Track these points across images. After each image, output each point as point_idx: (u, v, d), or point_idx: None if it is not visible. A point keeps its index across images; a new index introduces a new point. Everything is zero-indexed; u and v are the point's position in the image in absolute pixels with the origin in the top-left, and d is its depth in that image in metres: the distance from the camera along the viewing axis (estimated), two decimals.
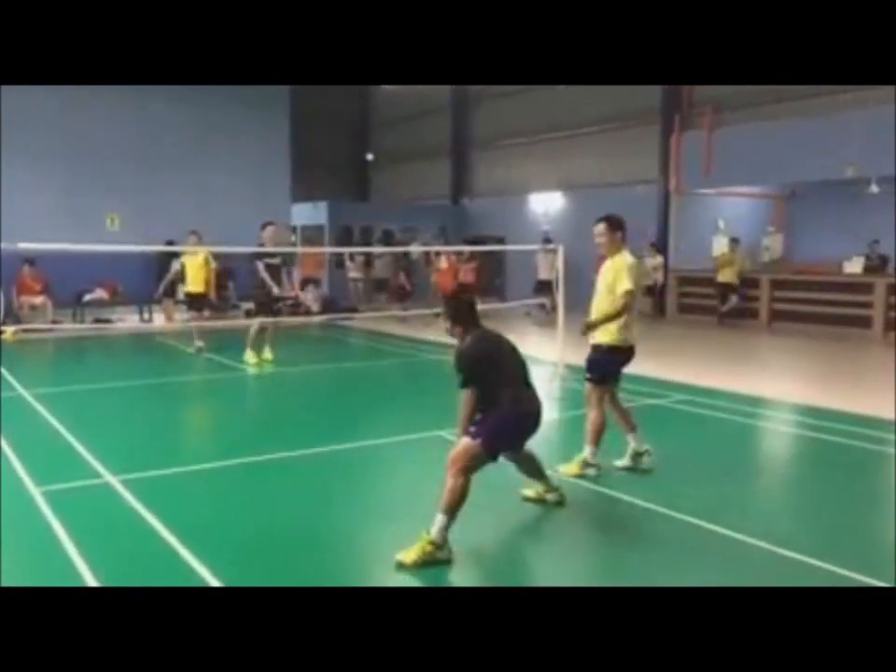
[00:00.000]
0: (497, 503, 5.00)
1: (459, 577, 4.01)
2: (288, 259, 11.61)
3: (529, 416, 4.41)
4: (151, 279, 14.89)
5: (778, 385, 9.21)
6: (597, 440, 5.56)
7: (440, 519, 4.06)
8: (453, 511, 4.08)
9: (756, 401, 8.26)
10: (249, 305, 16.56)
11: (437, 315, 6.23)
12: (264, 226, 10.51)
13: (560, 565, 4.31)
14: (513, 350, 4.53)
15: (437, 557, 4.02)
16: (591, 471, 5.54)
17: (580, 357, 5.52)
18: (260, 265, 10.44)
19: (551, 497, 4.97)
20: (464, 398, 4.30)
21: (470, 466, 4.14)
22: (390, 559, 4.01)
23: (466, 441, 4.20)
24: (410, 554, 4.01)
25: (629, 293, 5.31)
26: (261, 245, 10.48)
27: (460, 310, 4.52)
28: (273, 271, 10.45)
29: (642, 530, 4.73)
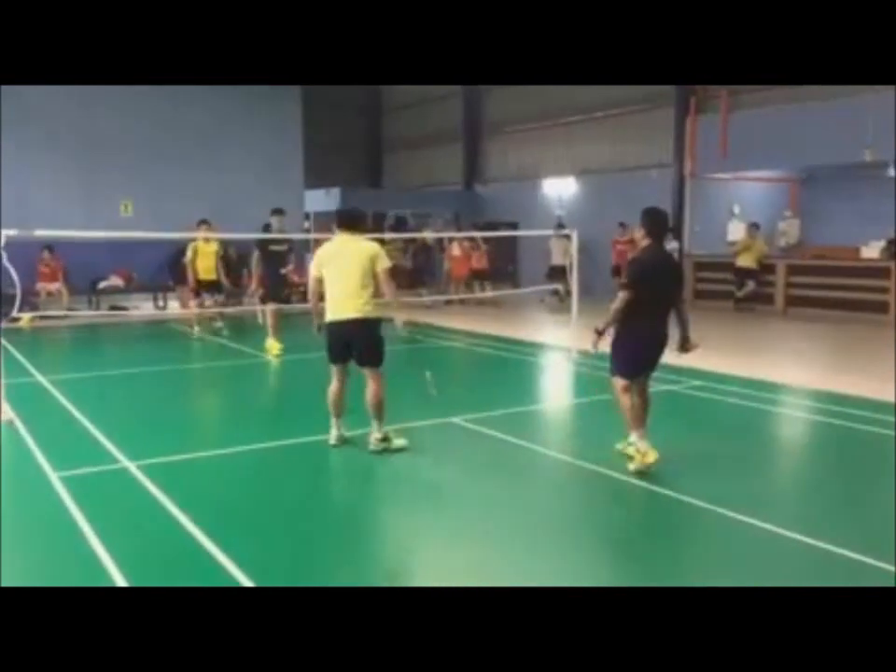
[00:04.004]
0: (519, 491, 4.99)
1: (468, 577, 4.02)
2: (301, 246, 11.64)
3: (648, 348, 5.35)
4: (165, 266, 14.93)
5: (794, 371, 9.15)
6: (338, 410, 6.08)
7: (635, 435, 5.23)
8: (628, 420, 5.31)
9: (771, 387, 8.21)
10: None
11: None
12: (273, 213, 10.60)
13: (561, 560, 4.31)
14: (672, 276, 5.38)
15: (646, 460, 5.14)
16: (332, 440, 5.99)
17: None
18: (255, 253, 10.63)
19: None
20: (621, 296, 5.17)
21: (622, 391, 5.30)
22: (409, 550, 4.00)
23: (612, 379, 5.36)
24: (648, 459, 5.11)
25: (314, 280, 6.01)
26: (268, 229, 10.60)
27: (656, 224, 5.27)
28: (278, 256, 10.50)
29: (647, 514, 4.72)
